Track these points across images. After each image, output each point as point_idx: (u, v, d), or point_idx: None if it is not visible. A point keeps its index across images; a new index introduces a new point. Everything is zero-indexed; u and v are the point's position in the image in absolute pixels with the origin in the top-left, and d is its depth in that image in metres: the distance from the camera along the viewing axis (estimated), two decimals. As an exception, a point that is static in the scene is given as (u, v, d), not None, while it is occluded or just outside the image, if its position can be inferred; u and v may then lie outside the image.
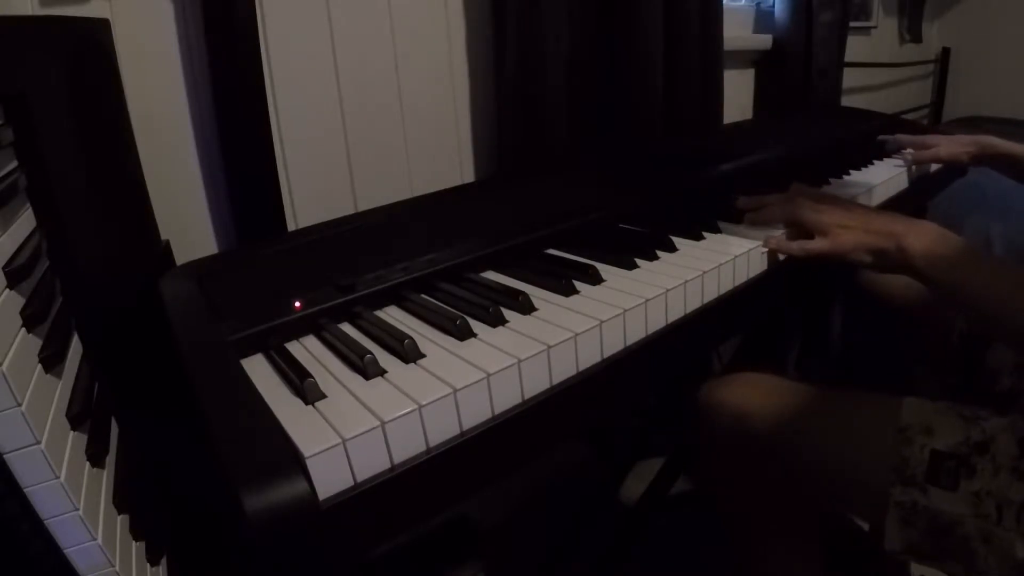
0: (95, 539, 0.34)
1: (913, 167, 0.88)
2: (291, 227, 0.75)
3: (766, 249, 0.59)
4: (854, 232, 0.58)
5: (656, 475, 1.01)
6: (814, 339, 1.29)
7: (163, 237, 0.66)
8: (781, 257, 0.60)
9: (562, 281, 0.50)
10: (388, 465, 0.34)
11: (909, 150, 0.92)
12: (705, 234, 0.61)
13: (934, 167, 0.93)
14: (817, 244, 0.59)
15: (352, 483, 0.33)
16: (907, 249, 0.55)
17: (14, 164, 0.38)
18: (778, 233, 0.61)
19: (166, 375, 0.46)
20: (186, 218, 0.71)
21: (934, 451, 0.51)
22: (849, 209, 0.61)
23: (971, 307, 0.54)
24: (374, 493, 0.33)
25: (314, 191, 0.78)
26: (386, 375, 0.39)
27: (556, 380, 0.41)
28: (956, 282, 0.53)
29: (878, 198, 0.79)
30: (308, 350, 0.44)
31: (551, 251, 0.60)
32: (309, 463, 0.31)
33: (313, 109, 0.76)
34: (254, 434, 0.33)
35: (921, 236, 0.55)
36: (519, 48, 0.85)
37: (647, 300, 0.47)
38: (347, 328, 0.46)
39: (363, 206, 0.82)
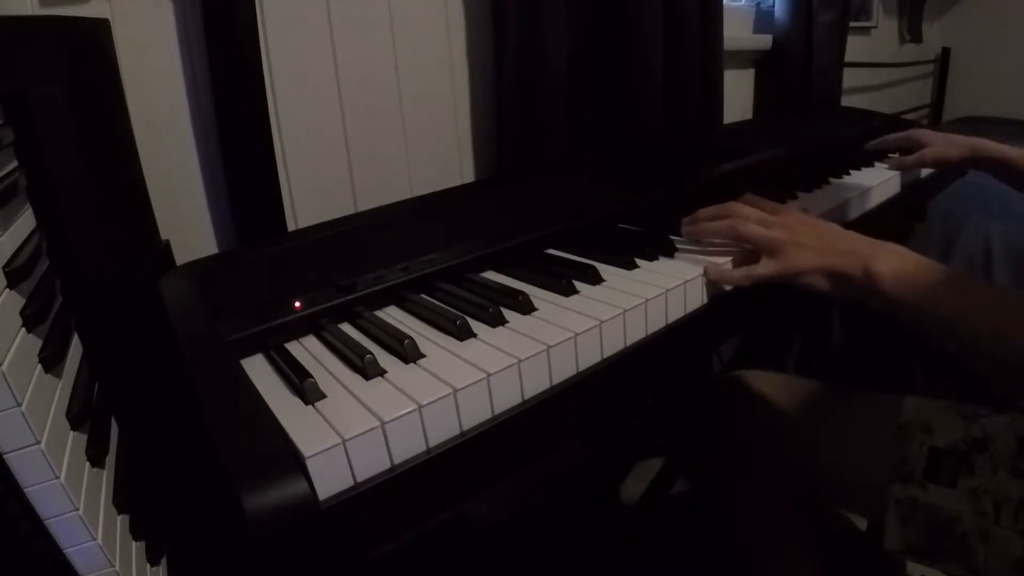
0: (95, 539, 0.34)
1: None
2: (291, 227, 0.75)
3: (706, 279, 0.51)
4: (809, 252, 0.51)
5: (656, 475, 1.01)
6: (814, 339, 1.29)
7: (163, 237, 0.66)
8: (727, 287, 0.53)
9: (562, 281, 0.50)
10: (388, 465, 0.34)
11: (896, 153, 0.89)
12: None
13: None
14: (764, 267, 0.52)
15: (352, 483, 0.33)
16: (875, 273, 0.49)
17: (14, 164, 0.38)
18: (722, 261, 0.54)
19: (166, 375, 0.46)
20: (186, 218, 0.71)
21: (933, 448, 0.51)
22: (804, 224, 0.54)
23: (945, 333, 0.48)
24: (374, 493, 0.33)
25: (314, 191, 0.78)
26: (386, 375, 0.39)
27: (556, 380, 0.41)
28: (930, 308, 0.48)
29: (878, 198, 0.79)
30: (308, 350, 0.44)
31: (551, 251, 0.60)
32: (309, 463, 0.31)
33: (313, 109, 0.76)
34: (254, 434, 0.33)
35: (890, 258, 0.50)
36: (519, 48, 0.85)
37: (647, 300, 0.47)
38: (347, 328, 0.46)
39: (363, 206, 0.82)
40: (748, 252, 0.55)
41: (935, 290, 0.48)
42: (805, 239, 0.52)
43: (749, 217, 0.55)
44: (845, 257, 0.51)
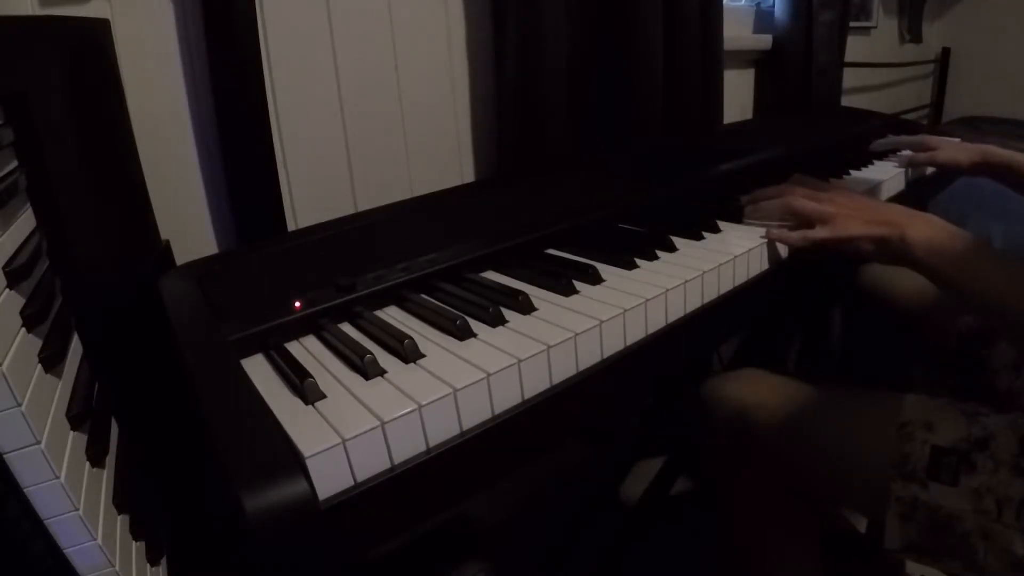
0: (95, 539, 0.34)
1: (908, 169, 0.86)
2: (291, 227, 0.75)
3: (767, 240, 0.59)
4: (857, 221, 0.58)
5: (656, 475, 1.01)
6: (814, 339, 1.29)
7: (163, 237, 0.66)
8: (783, 252, 0.60)
9: (562, 281, 0.50)
10: (388, 465, 0.34)
11: (907, 151, 0.91)
12: (705, 234, 0.61)
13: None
14: (819, 232, 0.59)
15: (352, 483, 0.33)
16: (909, 239, 0.55)
17: (14, 164, 0.38)
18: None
19: (166, 375, 0.46)
20: (186, 218, 0.71)
21: (935, 447, 0.51)
22: (851, 198, 0.61)
23: (974, 300, 0.53)
24: (374, 493, 0.33)
25: (314, 191, 0.78)
26: (386, 375, 0.39)
27: (556, 380, 0.41)
28: (958, 275, 0.53)
29: (879, 198, 0.79)
30: (308, 350, 0.44)
31: (551, 251, 0.60)
32: (309, 463, 0.31)
33: (313, 109, 0.76)
34: (254, 434, 0.33)
35: (923, 227, 0.56)
36: (519, 48, 0.85)
37: (647, 300, 0.47)
38: (347, 328, 0.46)
39: (363, 206, 0.82)
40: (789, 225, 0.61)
41: (964, 260, 0.53)
42: (852, 211, 0.59)
43: (802, 195, 0.62)
44: (886, 225, 0.57)
